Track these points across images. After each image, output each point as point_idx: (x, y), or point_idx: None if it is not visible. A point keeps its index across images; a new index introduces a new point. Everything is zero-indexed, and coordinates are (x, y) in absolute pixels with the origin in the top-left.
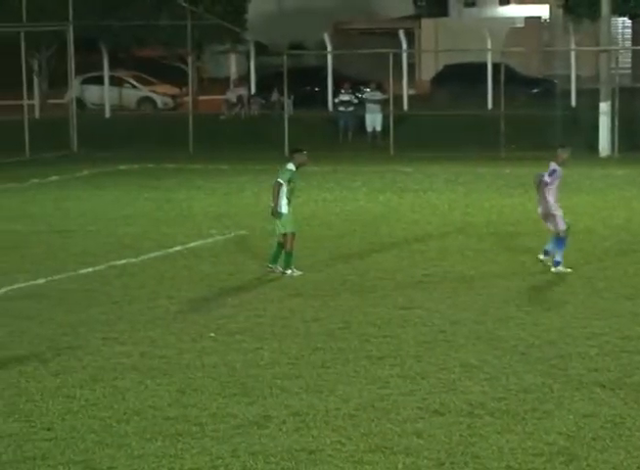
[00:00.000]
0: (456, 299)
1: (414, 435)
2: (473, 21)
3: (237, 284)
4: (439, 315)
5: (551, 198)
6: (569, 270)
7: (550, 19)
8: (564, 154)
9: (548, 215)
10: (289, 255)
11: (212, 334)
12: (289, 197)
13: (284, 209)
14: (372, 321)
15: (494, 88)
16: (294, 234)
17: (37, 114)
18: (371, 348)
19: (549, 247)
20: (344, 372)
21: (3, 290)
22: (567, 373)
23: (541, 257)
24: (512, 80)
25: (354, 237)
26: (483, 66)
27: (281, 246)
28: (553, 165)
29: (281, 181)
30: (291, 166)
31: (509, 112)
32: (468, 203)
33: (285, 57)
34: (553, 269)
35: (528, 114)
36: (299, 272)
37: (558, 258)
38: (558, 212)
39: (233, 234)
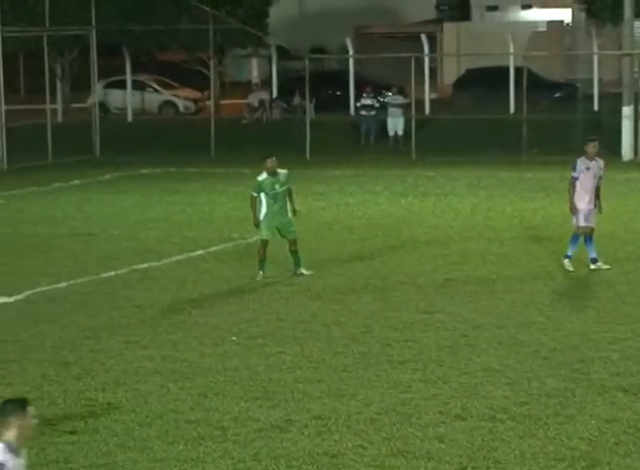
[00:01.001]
0: (478, 303)
1: (436, 439)
2: (495, 25)
3: (258, 288)
4: (461, 319)
5: (575, 192)
6: (571, 269)
7: (572, 22)
8: (588, 148)
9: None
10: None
11: (234, 338)
12: (272, 203)
13: (261, 216)
14: (393, 325)
15: (516, 92)
16: (265, 242)
17: (60, 118)
18: (392, 352)
19: (592, 254)
20: (366, 376)
21: (26, 293)
22: (589, 378)
23: (592, 266)
24: (534, 84)
25: (376, 241)
26: (506, 70)
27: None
28: (579, 160)
29: (252, 193)
30: (261, 176)
31: (531, 116)
32: (490, 207)
33: (306, 61)
34: (592, 267)
35: (551, 118)
36: (261, 274)
37: (569, 252)
38: (579, 207)
39: (255, 238)
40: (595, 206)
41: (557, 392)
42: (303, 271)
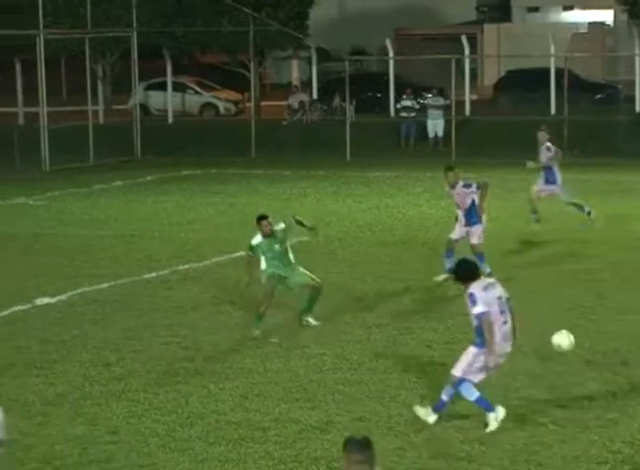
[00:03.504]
0: (518, 306)
1: (477, 442)
2: (536, 26)
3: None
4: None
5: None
6: None
7: (614, 24)
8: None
9: None
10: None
11: (275, 339)
12: (273, 260)
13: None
14: (434, 327)
15: (557, 93)
16: (269, 292)
17: (101, 119)
18: (433, 354)
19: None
20: (407, 378)
21: (68, 294)
22: (631, 381)
23: None
24: (575, 86)
25: (416, 243)
26: (546, 71)
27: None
28: None
29: (248, 252)
30: (255, 239)
31: (572, 117)
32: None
33: (346, 62)
34: None
35: (591, 119)
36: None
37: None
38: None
39: (295, 240)
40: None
41: (599, 395)
42: (311, 321)
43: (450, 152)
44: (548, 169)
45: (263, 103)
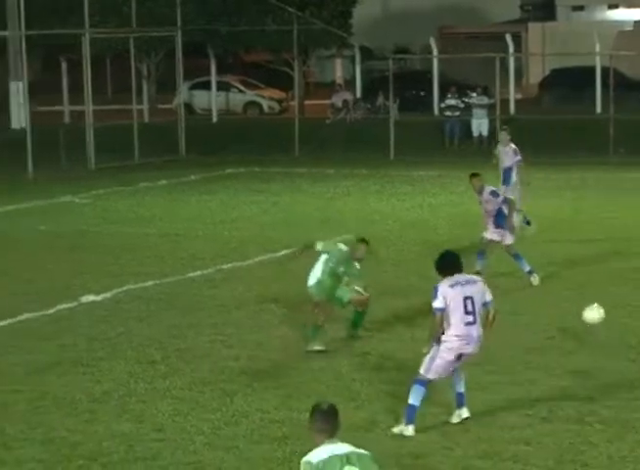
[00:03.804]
0: (565, 304)
1: (522, 442)
2: (581, 24)
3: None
4: (547, 321)
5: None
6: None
7: None
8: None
9: None
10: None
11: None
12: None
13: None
14: None
15: (602, 92)
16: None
17: (146, 118)
18: (478, 353)
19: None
20: (451, 378)
21: (113, 292)
22: None
23: None
24: (620, 84)
25: (461, 241)
26: (591, 69)
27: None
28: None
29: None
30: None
31: (618, 116)
32: (576, 208)
33: (390, 61)
34: None
35: (637, 118)
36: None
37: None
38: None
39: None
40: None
41: None
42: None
43: (494, 151)
44: (508, 170)
45: (307, 101)
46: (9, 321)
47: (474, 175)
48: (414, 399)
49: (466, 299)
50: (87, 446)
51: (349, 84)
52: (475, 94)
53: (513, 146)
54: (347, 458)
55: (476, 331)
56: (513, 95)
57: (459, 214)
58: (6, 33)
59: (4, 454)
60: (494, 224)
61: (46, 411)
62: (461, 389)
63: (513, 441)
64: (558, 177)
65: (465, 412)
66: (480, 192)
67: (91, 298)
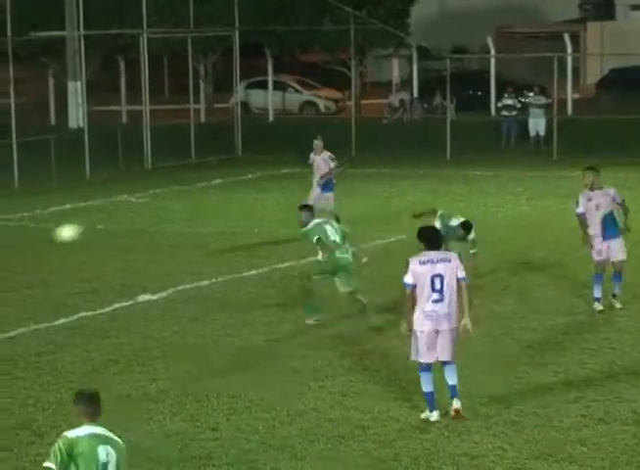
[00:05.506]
0: (622, 305)
1: (578, 443)
2: None
3: (395, 288)
4: (603, 322)
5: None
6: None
7: None
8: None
9: None
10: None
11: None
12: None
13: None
14: (533, 327)
15: None
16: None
17: (203, 118)
18: (533, 353)
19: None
20: (506, 378)
21: (169, 291)
22: None
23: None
24: None
25: (516, 242)
26: None
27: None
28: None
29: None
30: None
31: None
32: (636, 209)
33: (447, 60)
34: None
35: None
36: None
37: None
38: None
39: (393, 238)
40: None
41: None
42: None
43: (552, 151)
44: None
45: (363, 101)
46: (67, 319)
47: (589, 168)
48: (425, 386)
49: (434, 277)
50: (142, 444)
51: (406, 84)
52: (532, 94)
53: (330, 154)
54: (105, 439)
55: (444, 308)
56: (570, 95)
57: (515, 215)
58: (64, 33)
59: None
60: (602, 233)
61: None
62: (452, 381)
63: (568, 442)
64: (616, 176)
65: (455, 403)
66: (592, 188)
67: (147, 297)
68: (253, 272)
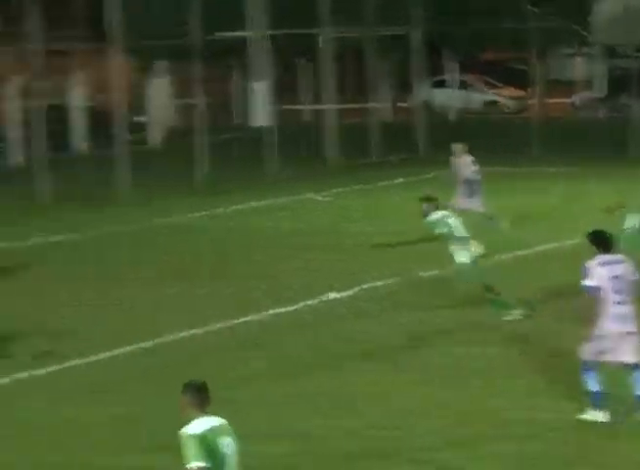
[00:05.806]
0: None
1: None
2: None
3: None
4: None
5: None
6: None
7: None
8: None
9: None
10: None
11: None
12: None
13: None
14: None
15: None
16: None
17: (385, 116)
18: None
19: None
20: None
21: (355, 289)
22: None
23: None
24: None
25: None
26: None
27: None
28: None
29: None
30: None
31: None
32: None
33: (634, 59)
34: None
35: None
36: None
37: None
38: None
39: (576, 240)
40: None
41: None
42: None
43: None
44: None
45: (546, 100)
46: (253, 317)
47: None
48: (590, 385)
49: (614, 278)
50: (328, 441)
51: (590, 83)
52: None
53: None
54: (223, 430)
55: (628, 310)
56: None
57: None
58: (249, 34)
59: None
60: None
61: (295, 407)
62: (637, 391)
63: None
64: None
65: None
66: None
67: (332, 295)
68: (434, 273)
